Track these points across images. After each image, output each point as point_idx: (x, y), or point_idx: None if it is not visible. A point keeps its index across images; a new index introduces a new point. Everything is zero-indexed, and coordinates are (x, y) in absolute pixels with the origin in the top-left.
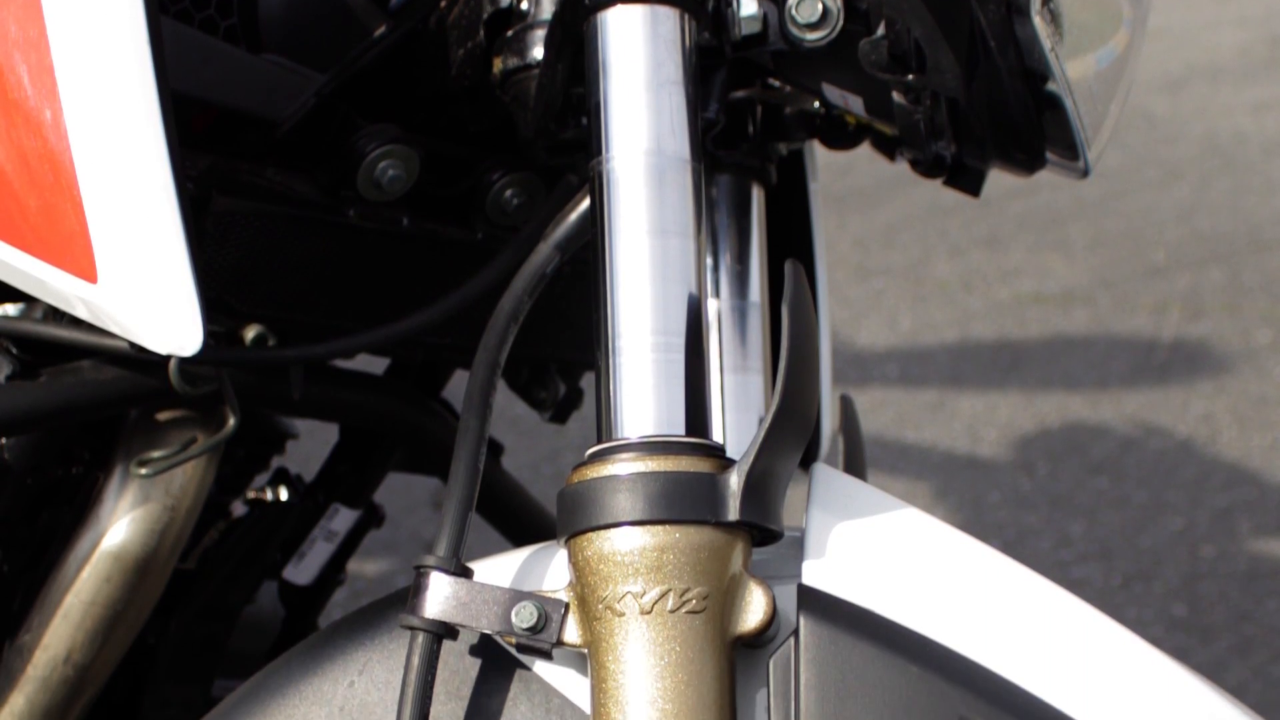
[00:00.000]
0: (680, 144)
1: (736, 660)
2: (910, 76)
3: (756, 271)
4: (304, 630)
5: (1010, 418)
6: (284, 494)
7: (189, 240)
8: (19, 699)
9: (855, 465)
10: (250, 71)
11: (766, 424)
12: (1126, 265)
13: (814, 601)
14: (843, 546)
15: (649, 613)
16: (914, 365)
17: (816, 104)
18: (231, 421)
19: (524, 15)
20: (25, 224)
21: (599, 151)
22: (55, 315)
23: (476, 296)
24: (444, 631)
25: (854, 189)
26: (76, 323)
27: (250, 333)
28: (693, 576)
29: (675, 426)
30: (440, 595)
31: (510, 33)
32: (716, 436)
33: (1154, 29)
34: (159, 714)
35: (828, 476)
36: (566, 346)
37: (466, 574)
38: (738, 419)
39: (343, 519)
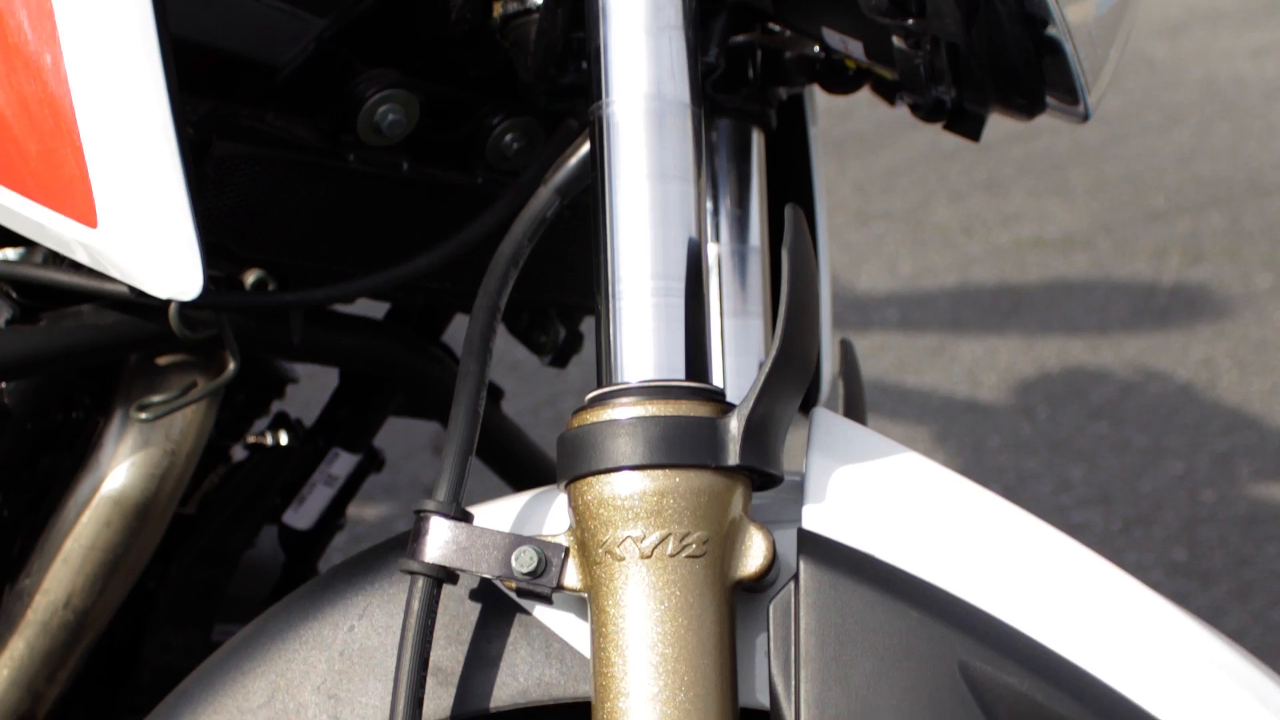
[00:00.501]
0: (680, 88)
1: (736, 604)
2: (910, 21)
3: (756, 216)
4: (304, 575)
5: (1010, 362)
6: (284, 438)
7: (189, 185)
8: (19, 643)
9: (855, 409)
10: (250, 16)
11: (766, 368)
12: (1126, 210)
13: (814, 546)
14: (843, 491)
15: (649, 557)
16: (914, 310)
17: (816, 49)
18: (231, 366)
19: None
20: (25, 168)
21: (599, 96)
22: (55, 260)
23: (476, 241)
24: (444, 576)
25: (854, 134)
26: (77, 267)
27: (250, 277)
28: (693, 521)
29: (675, 371)
30: (440, 540)
31: None
32: (716, 381)
33: None
34: (159, 658)
35: (828, 421)
36: (567, 291)
37: (466, 518)
38: (738, 363)
39: (343, 463)
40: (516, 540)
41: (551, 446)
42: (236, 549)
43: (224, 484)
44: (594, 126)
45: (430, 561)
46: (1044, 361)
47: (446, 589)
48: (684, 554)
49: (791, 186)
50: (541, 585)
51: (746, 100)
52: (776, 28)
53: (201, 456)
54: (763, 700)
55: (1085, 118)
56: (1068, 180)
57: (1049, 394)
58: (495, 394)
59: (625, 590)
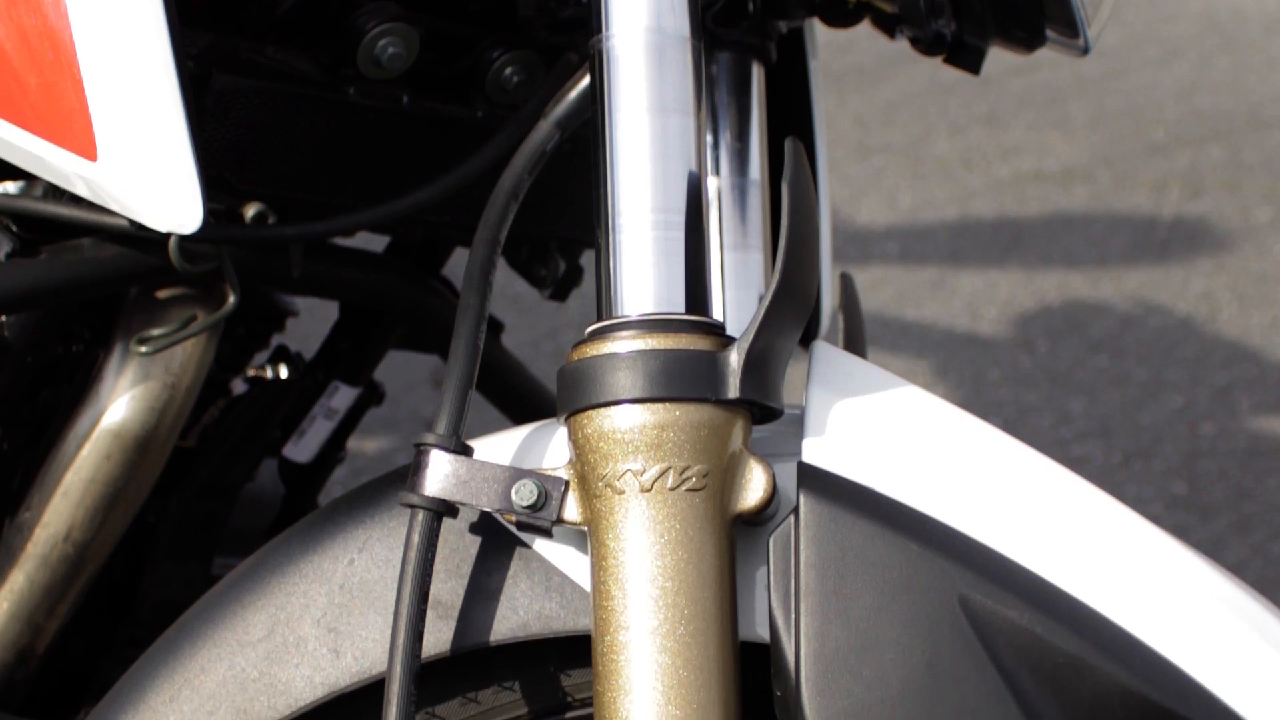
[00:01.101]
0: (680, 21)
1: (736, 538)
2: None
3: (756, 149)
4: (304, 508)
5: (1010, 295)
6: (284, 372)
7: (189, 118)
8: (19, 576)
9: (855, 343)
10: None
11: (766, 302)
12: (1126, 143)
13: (814, 479)
14: (843, 424)
15: (649, 490)
16: (914, 243)
17: None
18: (231, 299)
19: None
20: (25, 102)
21: (599, 29)
22: (55, 193)
23: (477, 174)
24: (444, 509)
25: (854, 67)
26: (77, 200)
27: (250, 210)
28: (693, 454)
29: (675, 304)
30: (440, 473)
31: None
32: (716, 314)
33: None
34: (159, 592)
35: (828, 354)
36: (567, 224)
37: (466, 452)
38: (738, 297)
39: (343, 396)
40: (516, 474)
41: (551, 380)
42: (236, 482)
43: (224, 417)
44: (594, 60)
45: (430, 495)
46: (1044, 295)
47: (446, 522)
48: (684, 487)
49: (791, 120)
50: (541, 519)
51: (746, 34)
52: None
53: (201, 390)
54: (763, 634)
55: (1085, 51)
56: (1068, 113)
57: (1049, 327)
58: (495, 327)
59: (625, 524)
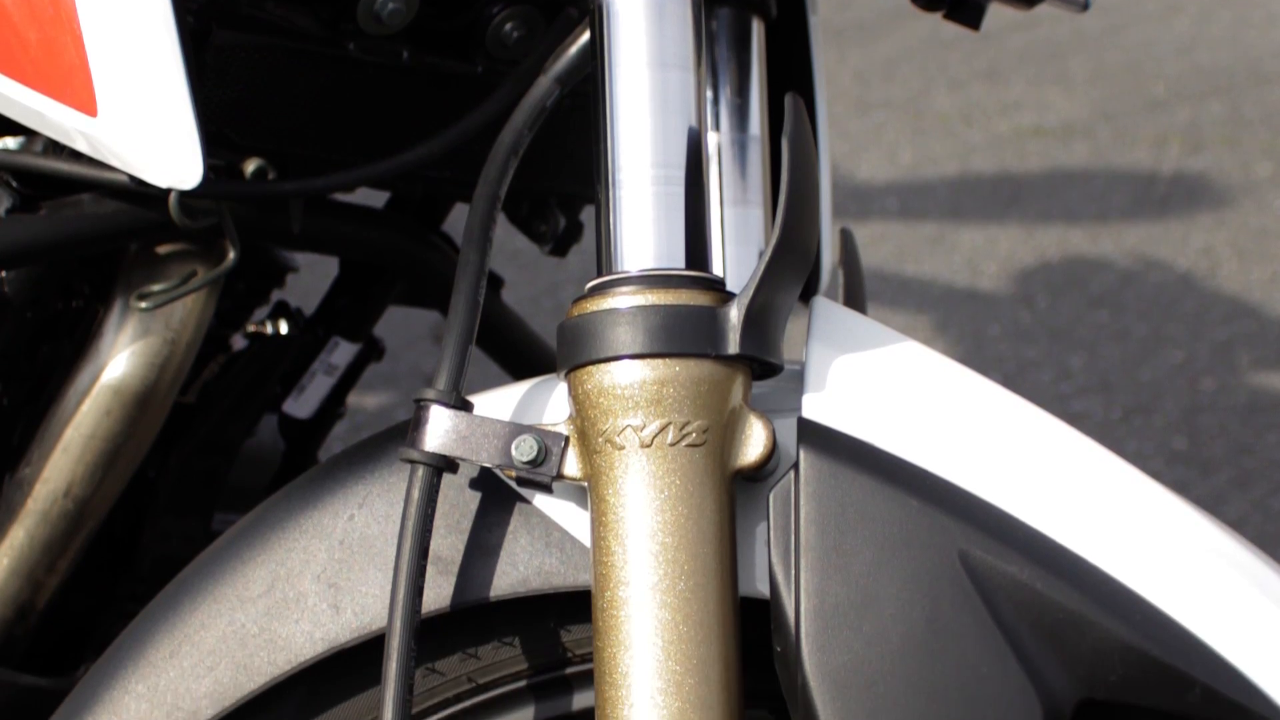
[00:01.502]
0: None
1: (736, 493)
2: None
3: (756, 105)
4: (304, 464)
5: (1010, 251)
6: (284, 327)
7: (189, 74)
8: (19, 532)
9: (855, 299)
10: None
11: (766, 257)
12: (1126, 98)
13: (814, 434)
14: (843, 380)
15: (649, 446)
16: (914, 199)
17: None
18: (231, 255)
19: None
20: (25, 57)
21: None
22: (55, 149)
23: (477, 130)
24: (444, 465)
25: (854, 22)
26: (77, 156)
27: (250, 166)
28: (693, 410)
29: (675, 260)
30: (440, 428)
31: None
32: (716, 270)
33: None
34: (159, 547)
35: (828, 310)
36: (567, 179)
37: (466, 407)
38: (738, 252)
39: (343, 352)
40: (516, 429)
41: (551, 335)
42: (236, 438)
43: (224, 373)
44: (594, 15)
45: (430, 450)
46: (1044, 250)
47: (446, 478)
48: (684, 443)
49: (791, 75)
50: (541, 474)
51: None
52: None
53: (201, 345)
54: (763, 589)
55: (1085, 7)
56: (1068, 69)
57: (1049, 283)
58: (495, 283)
59: (625, 479)
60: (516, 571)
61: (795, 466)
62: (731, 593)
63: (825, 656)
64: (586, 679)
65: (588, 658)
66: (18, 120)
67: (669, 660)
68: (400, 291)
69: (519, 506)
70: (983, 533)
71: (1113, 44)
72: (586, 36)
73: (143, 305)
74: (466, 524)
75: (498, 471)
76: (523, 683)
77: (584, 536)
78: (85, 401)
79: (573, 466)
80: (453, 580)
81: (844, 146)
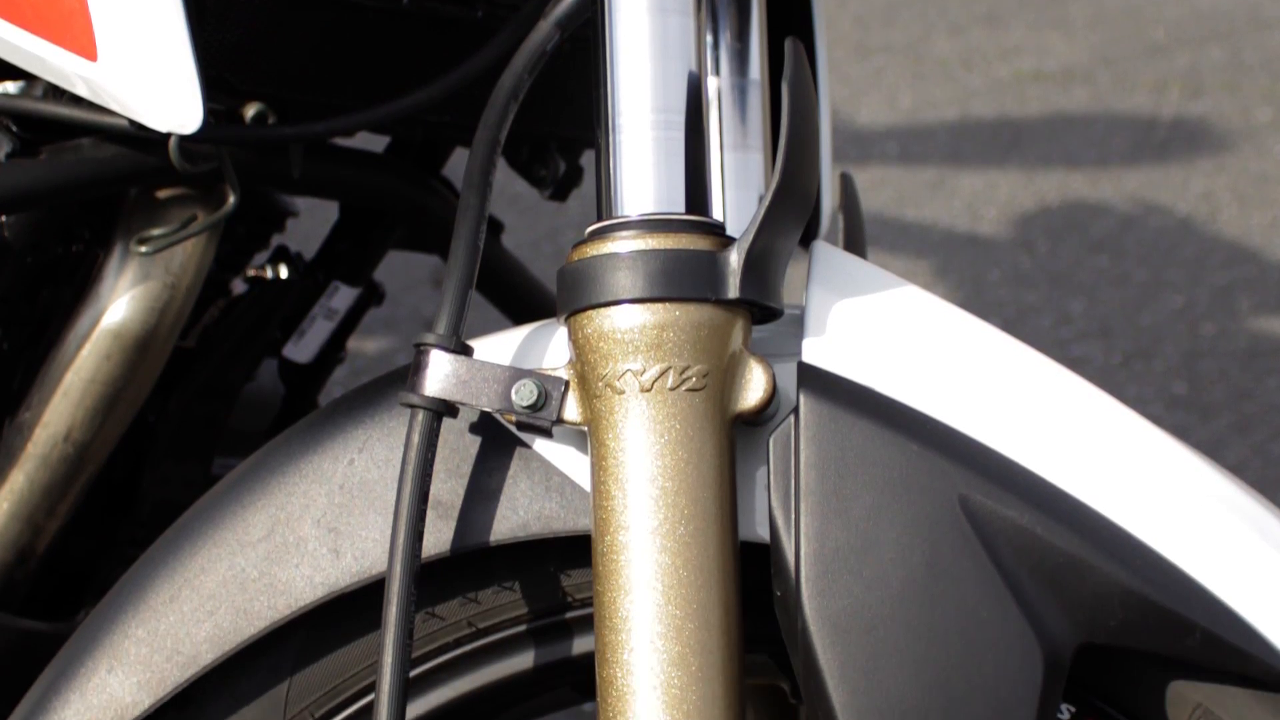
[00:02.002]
0: None
1: (736, 438)
2: None
3: (756, 49)
4: (304, 408)
5: (1010, 195)
6: (284, 272)
7: (188, 18)
8: (19, 476)
9: (855, 243)
10: None
11: (766, 202)
12: (1126, 43)
13: (814, 379)
14: (843, 324)
15: (649, 390)
16: (914, 143)
17: None
18: (231, 199)
19: None
20: (25, 2)
21: None
22: (55, 93)
23: (477, 74)
24: (444, 409)
25: None
26: (77, 100)
27: (250, 110)
28: (693, 354)
29: (675, 204)
30: (440, 373)
31: None
32: (716, 214)
33: None
34: (159, 492)
35: (828, 254)
36: (567, 124)
37: (466, 352)
38: (738, 197)
39: (343, 297)
40: (516, 374)
41: (551, 280)
42: (236, 382)
43: (224, 317)
44: None
45: (430, 395)
46: (1044, 195)
47: (446, 422)
48: (684, 387)
49: (791, 20)
50: (541, 419)
51: None
52: None
53: (201, 290)
54: (763, 534)
55: None
56: (1068, 13)
57: (1049, 228)
58: (495, 227)
59: (625, 424)
60: (516, 516)
61: (795, 411)
62: (731, 537)
63: (825, 601)
64: (586, 623)
65: (588, 602)
66: (18, 65)
67: (669, 605)
68: (400, 236)
69: (519, 451)
70: (983, 477)
71: None
72: None
73: (143, 250)
74: (466, 468)
75: (498, 416)
76: (523, 627)
77: (584, 481)
78: (85, 346)
79: (573, 411)
80: (453, 525)
81: (844, 91)
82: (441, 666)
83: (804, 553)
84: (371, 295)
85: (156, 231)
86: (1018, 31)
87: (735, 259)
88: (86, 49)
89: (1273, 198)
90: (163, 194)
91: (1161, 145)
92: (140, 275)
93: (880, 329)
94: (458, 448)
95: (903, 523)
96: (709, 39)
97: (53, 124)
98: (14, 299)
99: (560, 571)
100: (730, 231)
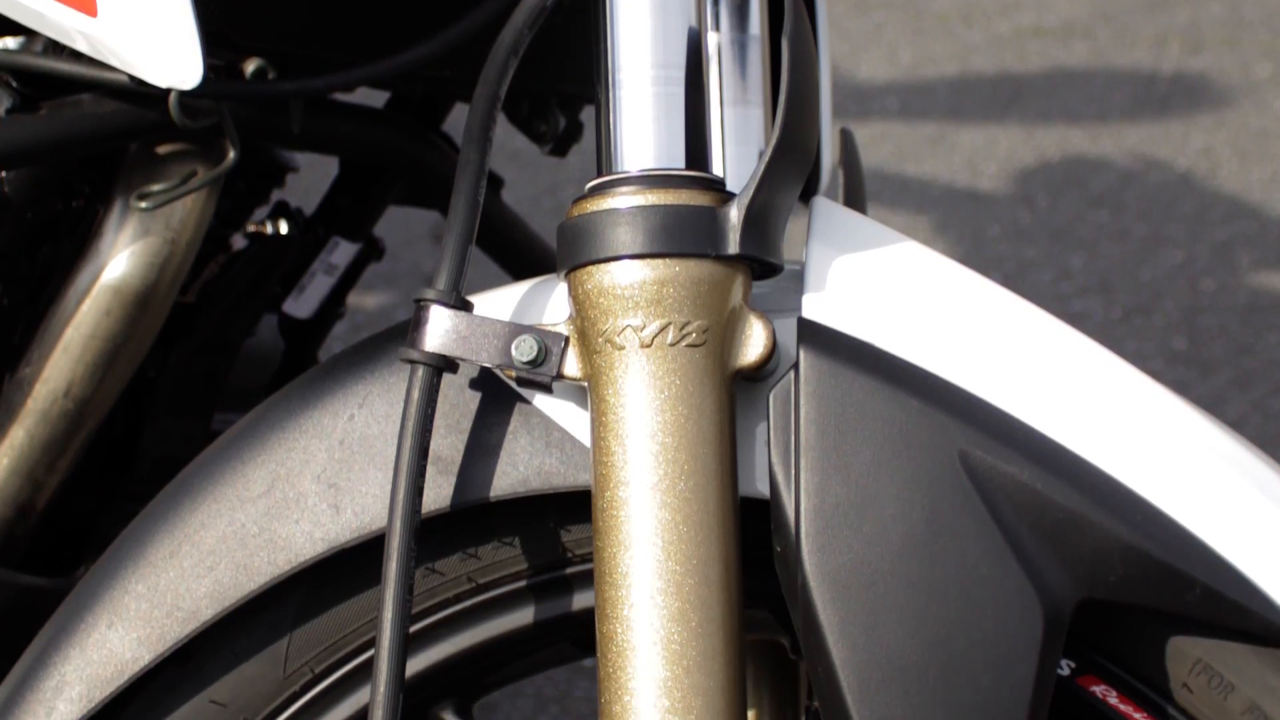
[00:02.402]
0: None
1: (736, 394)
2: None
3: (756, 4)
4: (304, 364)
5: (1010, 151)
6: (284, 227)
7: None
8: (19, 432)
9: (855, 199)
10: None
11: (766, 157)
12: None
13: (814, 334)
14: (843, 280)
15: (649, 346)
16: (914, 99)
17: None
18: (231, 155)
19: None
20: None
21: None
22: (55, 49)
23: (477, 29)
24: (444, 365)
25: None
26: (77, 56)
27: (250, 66)
28: (693, 310)
29: (675, 160)
30: (440, 328)
31: None
32: (716, 170)
33: None
34: (159, 447)
35: (828, 210)
36: (567, 79)
37: (466, 307)
38: (737, 153)
39: (343, 252)
40: (516, 329)
41: (552, 236)
42: (236, 338)
43: (224, 273)
44: None
45: (430, 350)
46: (1044, 150)
47: (446, 378)
48: (684, 343)
49: None
50: (541, 374)
51: None
52: None
53: (201, 245)
54: (763, 489)
55: None
56: None
57: (1049, 183)
58: (495, 183)
59: (625, 379)
60: (516, 471)
61: (795, 366)
62: (731, 493)
63: (825, 556)
64: (586, 579)
65: (588, 558)
66: (18, 20)
67: (669, 560)
68: (400, 191)
69: (519, 407)
70: (983, 433)
71: None
72: None
73: (143, 205)
74: (466, 424)
75: (498, 372)
76: (522, 583)
77: (584, 437)
78: (85, 301)
79: (573, 366)
80: (453, 480)
81: (844, 46)
82: (441, 622)
83: (804, 508)
84: (372, 250)
85: (156, 187)
86: None
87: (735, 214)
88: (86, 4)
89: (1272, 153)
90: (163, 149)
91: (1161, 100)
92: (140, 231)
93: (880, 284)
94: (458, 403)
95: (903, 478)
96: None
97: (53, 79)
98: (14, 255)
99: (560, 527)
100: (730, 187)
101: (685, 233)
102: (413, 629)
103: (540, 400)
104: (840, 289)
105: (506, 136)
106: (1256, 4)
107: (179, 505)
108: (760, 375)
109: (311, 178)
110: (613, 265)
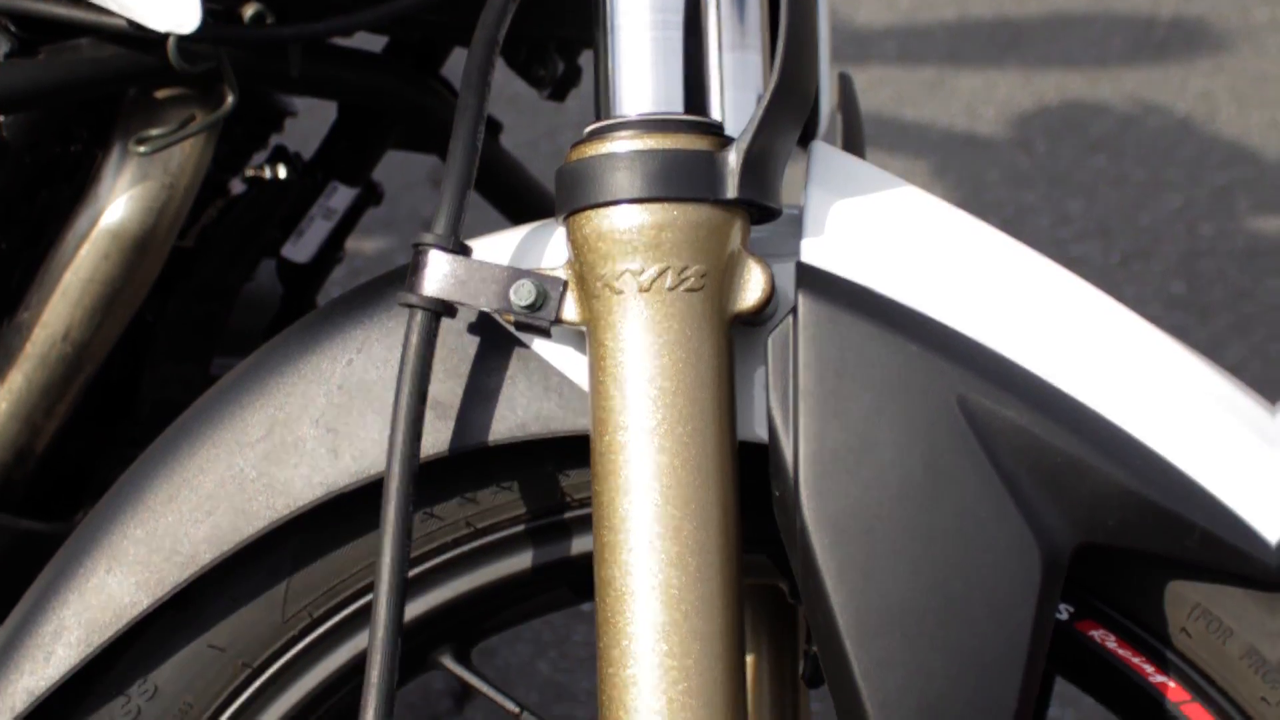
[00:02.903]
0: None
1: (735, 338)
2: None
3: None
4: (302, 308)
5: (1009, 95)
6: (282, 172)
7: None
8: (17, 376)
9: (854, 143)
10: None
11: (765, 102)
12: None
13: (812, 279)
14: (841, 224)
15: (647, 290)
16: (913, 43)
17: None
18: (230, 99)
19: None
20: None
21: None
22: None
23: None
24: (442, 309)
25: None
26: (75, 0)
27: (249, 10)
28: (691, 254)
29: (674, 104)
30: (439, 273)
31: None
32: (715, 115)
33: None
34: (157, 392)
35: (826, 154)
36: (565, 24)
37: (465, 252)
38: (736, 97)
39: (341, 197)
40: (515, 274)
41: (550, 180)
42: (235, 282)
43: (222, 217)
44: None
45: (428, 295)
46: (1042, 95)
47: (445, 322)
48: (682, 287)
49: None
50: (540, 319)
51: None
52: None
53: (200, 190)
54: (761, 434)
55: None
56: None
57: (1047, 127)
58: (494, 127)
59: (624, 323)
60: (515, 416)
61: (794, 311)
62: (730, 437)
63: (823, 501)
64: (585, 523)
65: (586, 502)
66: None
67: (667, 505)
68: (399, 136)
69: (517, 351)
70: (981, 378)
71: None
72: None
73: (141, 149)
74: (465, 369)
75: (496, 316)
76: (521, 527)
77: (582, 381)
78: (84, 246)
79: (571, 311)
80: (451, 425)
81: None
82: (440, 566)
83: (802, 453)
84: (370, 195)
85: (155, 131)
86: None
87: (734, 159)
88: None
89: (1271, 97)
90: (161, 94)
91: (1160, 45)
92: (138, 175)
93: (879, 229)
94: (456, 348)
95: (901, 423)
96: None
97: (51, 24)
98: (12, 199)
99: (559, 471)
100: (729, 132)
101: (684, 177)
102: (411, 573)
103: (539, 345)
104: (839, 233)
105: (505, 81)
106: None
107: (177, 450)
108: (759, 320)
109: (310, 122)
110: (611, 209)
